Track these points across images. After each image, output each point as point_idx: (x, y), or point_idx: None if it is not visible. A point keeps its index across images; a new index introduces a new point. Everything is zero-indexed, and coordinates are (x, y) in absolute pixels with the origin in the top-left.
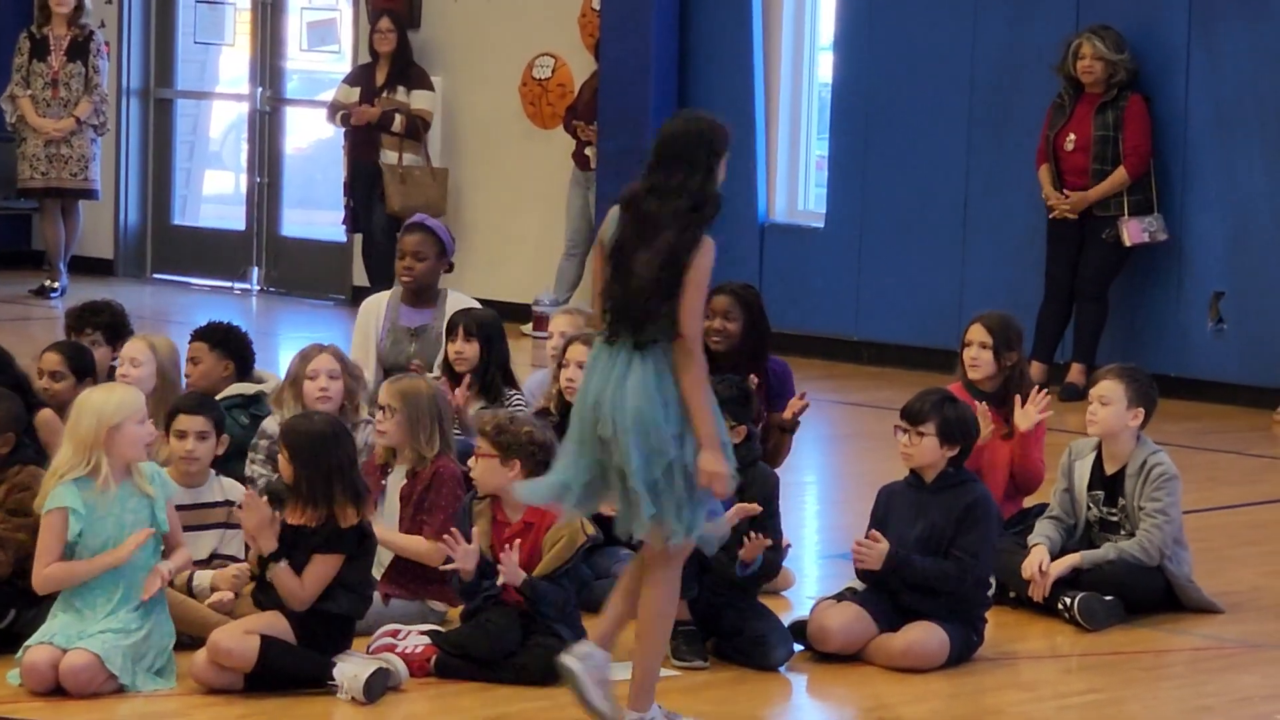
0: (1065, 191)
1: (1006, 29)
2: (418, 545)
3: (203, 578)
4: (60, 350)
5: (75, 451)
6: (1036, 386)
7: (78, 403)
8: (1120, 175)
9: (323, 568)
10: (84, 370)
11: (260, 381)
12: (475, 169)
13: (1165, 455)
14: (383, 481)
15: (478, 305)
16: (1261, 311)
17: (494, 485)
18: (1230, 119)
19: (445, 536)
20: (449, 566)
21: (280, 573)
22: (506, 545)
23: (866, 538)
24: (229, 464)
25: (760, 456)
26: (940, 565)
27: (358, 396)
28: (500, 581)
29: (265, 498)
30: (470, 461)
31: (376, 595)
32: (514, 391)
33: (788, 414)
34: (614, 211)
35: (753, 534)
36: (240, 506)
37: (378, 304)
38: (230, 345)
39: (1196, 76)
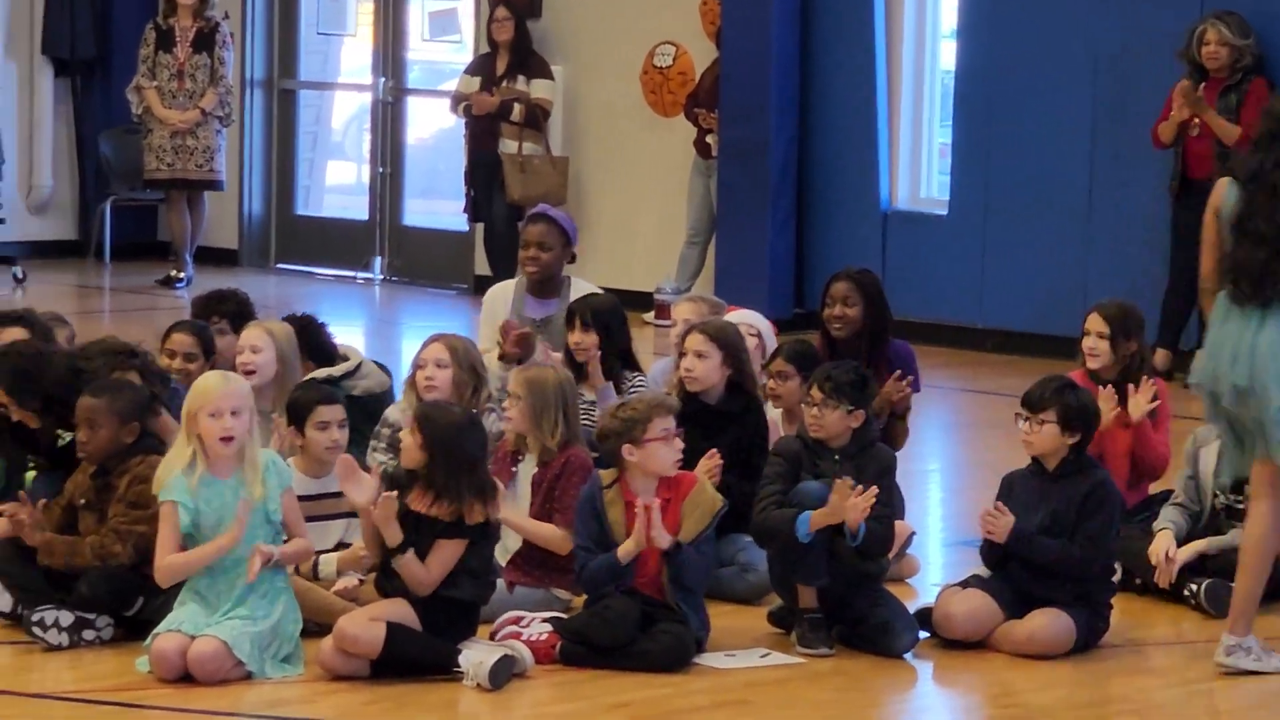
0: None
1: (1130, 14)
2: (549, 532)
3: (328, 563)
4: (190, 331)
5: (182, 440)
6: (1146, 376)
7: None
8: (1234, 131)
9: (447, 553)
10: (210, 350)
11: (344, 359)
12: (596, 158)
13: None
14: (513, 469)
15: (600, 292)
16: None
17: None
18: None
19: (645, 511)
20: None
21: (407, 563)
22: (650, 505)
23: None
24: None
25: (878, 439)
26: (1063, 547)
27: (482, 389)
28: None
29: (388, 486)
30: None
31: (501, 582)
32: (637, 374)
33: (892, 398)
34: (1225, 185)
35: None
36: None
37: (504, 293)
38: (308, 341)
39: None
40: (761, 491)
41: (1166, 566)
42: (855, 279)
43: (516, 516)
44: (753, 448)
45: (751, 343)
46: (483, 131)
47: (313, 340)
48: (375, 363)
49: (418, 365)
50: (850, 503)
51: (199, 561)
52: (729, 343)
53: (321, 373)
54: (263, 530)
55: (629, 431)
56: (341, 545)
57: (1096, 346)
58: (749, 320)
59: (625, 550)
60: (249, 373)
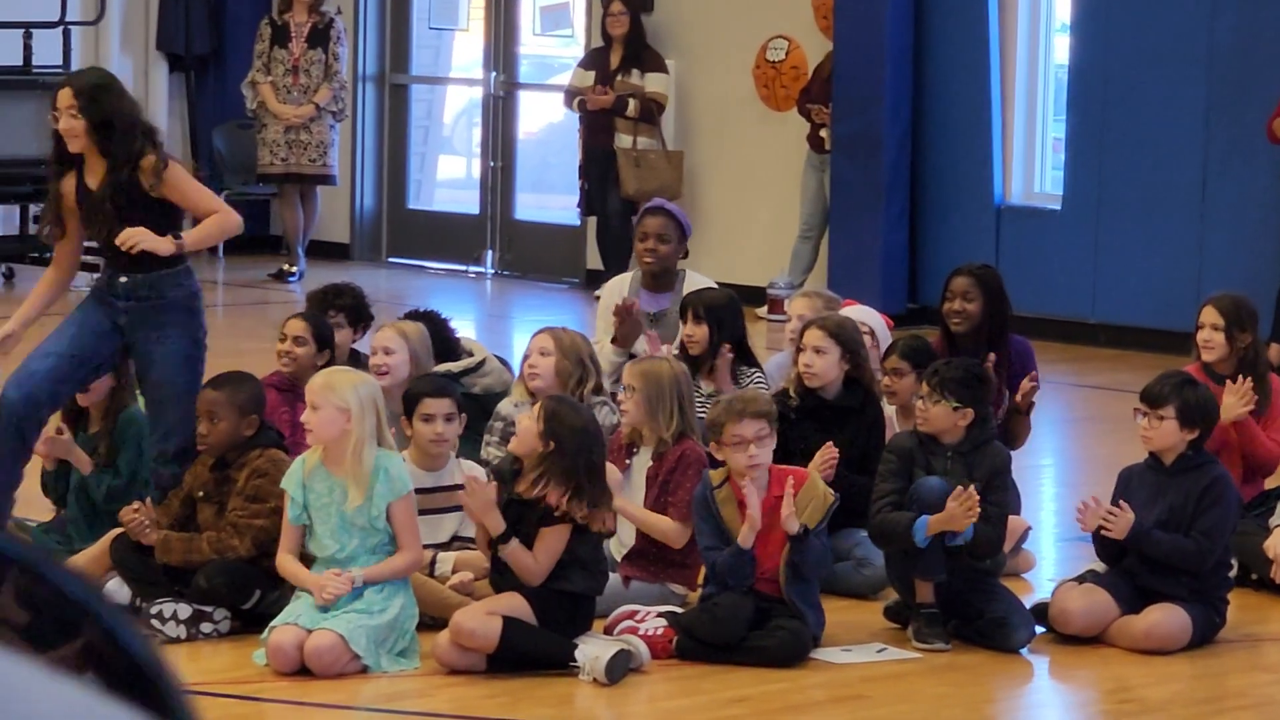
0: None
1: (1245, 7)
2: (663, 524)
3: (444, 561)
4: (304, 318)
5: None
6: (1242, 377)
7: None
8: None
9: (552, 540)
10: (325, 340)
11: (468, 354)
12: (709, 152)
13: None
14: (628, 461)
15: (714, 286)
16: None
17: (769, 460)
18: None
19: (743, 485)
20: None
21: (513, 551)
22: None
23: (1115, 505)
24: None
25: (994, 437)
26: (1179, 542)
27: (589, 380)
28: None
29: (492, 479)
30: (754, 451)
31: (616, 577)
32: (754, 370)
33: (1018, 396)
34: None
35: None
36: (465, 490)
37: (619, 286)
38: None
39: None
40: (877, 490)
41: None
42: (976, 274)
43: (630, 506)
44: (869, 443)
45: (865, 340)
46: (597, 126)
47: (436, 335)
48: (500, 359)
49: (526, 354)
50: (954, 510)
51: (296, 582)
52: (847, 338)
53: (442, 368)
54: (367, 537)
55: (712, 431)
56: (456, 539)
57: (1212, 339)
58: (861, 317)
59: (743, 536)
60: (382, 374)
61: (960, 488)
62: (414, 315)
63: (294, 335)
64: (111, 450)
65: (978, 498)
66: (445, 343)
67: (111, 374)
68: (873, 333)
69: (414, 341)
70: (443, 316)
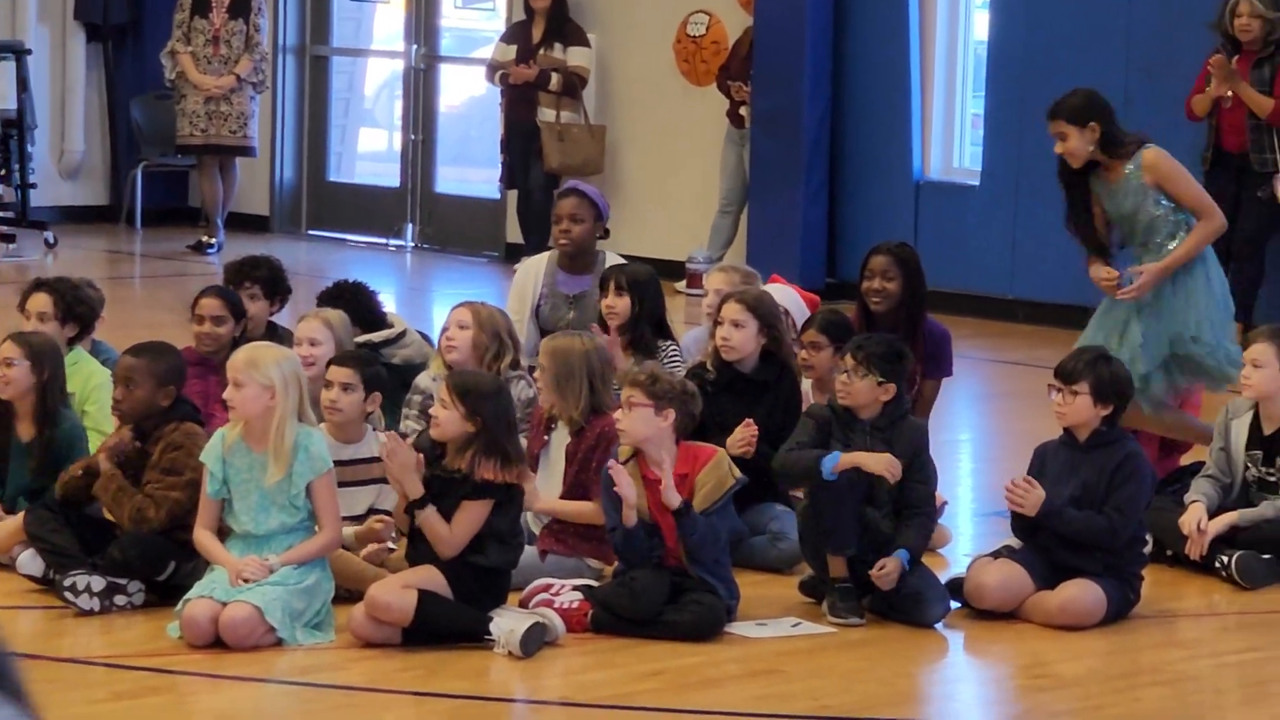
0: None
1: None
2: (586, 509)
3: (349, 533)
4: (217, 294)
5: None
6: None
7: None
8: (1268, 104)
9: (471, 514)
10: (239, 313)
11: (390, 326)
12: (630, 126)
13: None
14: (545, 438)
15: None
16: None
17: (645, 435)
18: None
19: (611, 465)
20: (619, 488)
21: (428, 517)
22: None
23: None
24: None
25: (908, 413)
26: (1092, 519)
27: (505, 355)
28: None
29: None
30: (617, 415)
31: (533, 550)
32: (669, 343)
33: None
34: None
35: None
36: (385, 454)
37: (536, 266)
38: (352, 308)
39: None
40: (789, 443)
41: (1198, 538)
42: (895, 253)
43: (551, 502)
44: (786, 417)
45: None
46: (519, 100)
47: (361, 306)
48: (420, 334)
49: (444, 328)
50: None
51: (213, 559)
52: (765, 312)
53: (362, 338)
54: (285, 514)
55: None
56: (372, 510)
57: None
58: (780, 297)
59: (626, 515)
60: (309, 365)
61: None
62: (342, 286)
63: (211, 315)
64: (46, 461)
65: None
66: (371, 314)
67: (34, 367)
68: (788, 313)
69: (339, 330)
70: (370, 289)
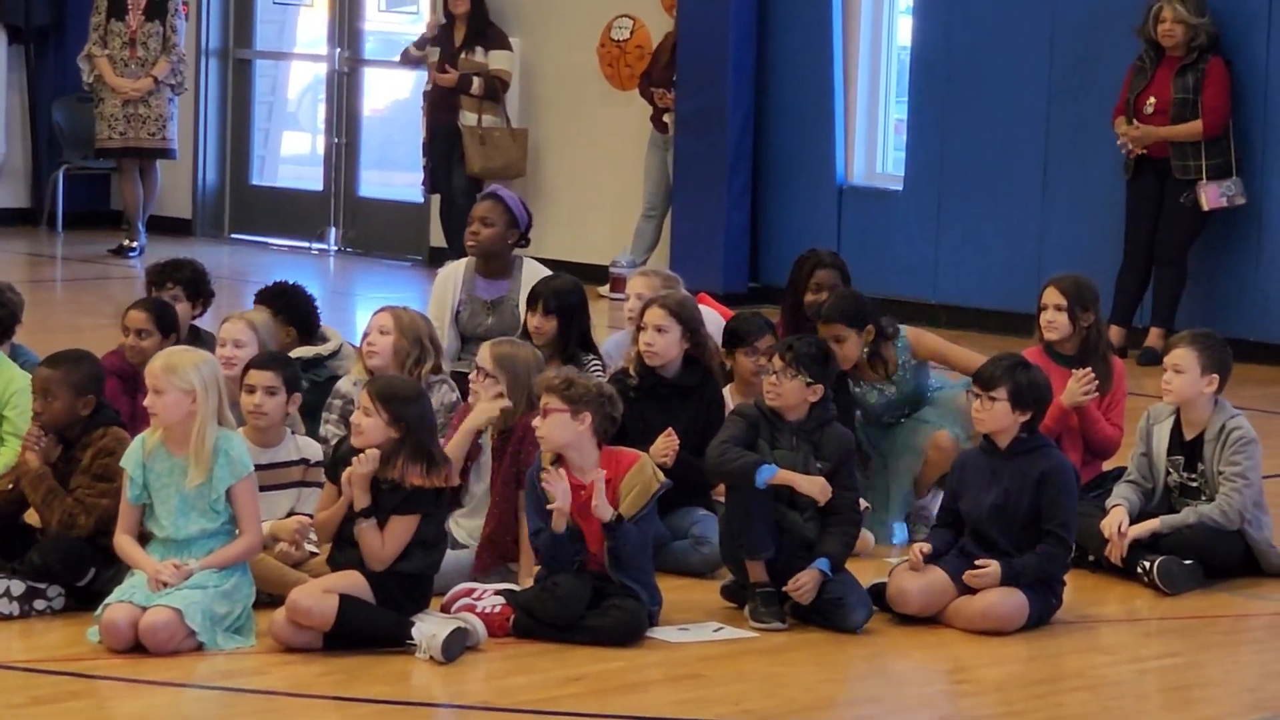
0: (1136, 122)
1: None
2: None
3: (268, 526)
4: (145, 308)
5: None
6: (1105, 351)
7: None
8: (1196, 127)
9: (401, 528)
10: (169, 327)
11: (325, 341)
12: (554, 130)
13: (1244, 419)
14: (478, 441)
15: (551, 275)
16: None
17: (564, 441)
18: None
19: (544, 475)
20: (552, 506)
21: (367, 530)
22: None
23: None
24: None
25: (834, 417)
26: (1042, 558)
27: (426, 360)
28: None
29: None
30: (536, 421)
31: (454, 554)
32: (592, 357)
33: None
34: None
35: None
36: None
37: (454, 272)
38: (293, 310)
39: (1278, 40)
40: (720, 437)
41: (1119, 541)
42: (838, 265)
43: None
44: (708, 423)
45: None
46: (442, 103)
47: (299, 309)
48: (354, 346)
49: (365, 334)
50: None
51: (133, 564)
52: (688, 317)
53: (306, 351)
54: (205, 519)
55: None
56: (292, 513)
57: (1055, 319)
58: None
59: (555, 521)
60: (232, 366)
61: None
62: (280, 291)
63: (136, 328)
64: None
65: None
66: (309, 317)
67: None
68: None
69: (262, 331)
70: (308, 292)
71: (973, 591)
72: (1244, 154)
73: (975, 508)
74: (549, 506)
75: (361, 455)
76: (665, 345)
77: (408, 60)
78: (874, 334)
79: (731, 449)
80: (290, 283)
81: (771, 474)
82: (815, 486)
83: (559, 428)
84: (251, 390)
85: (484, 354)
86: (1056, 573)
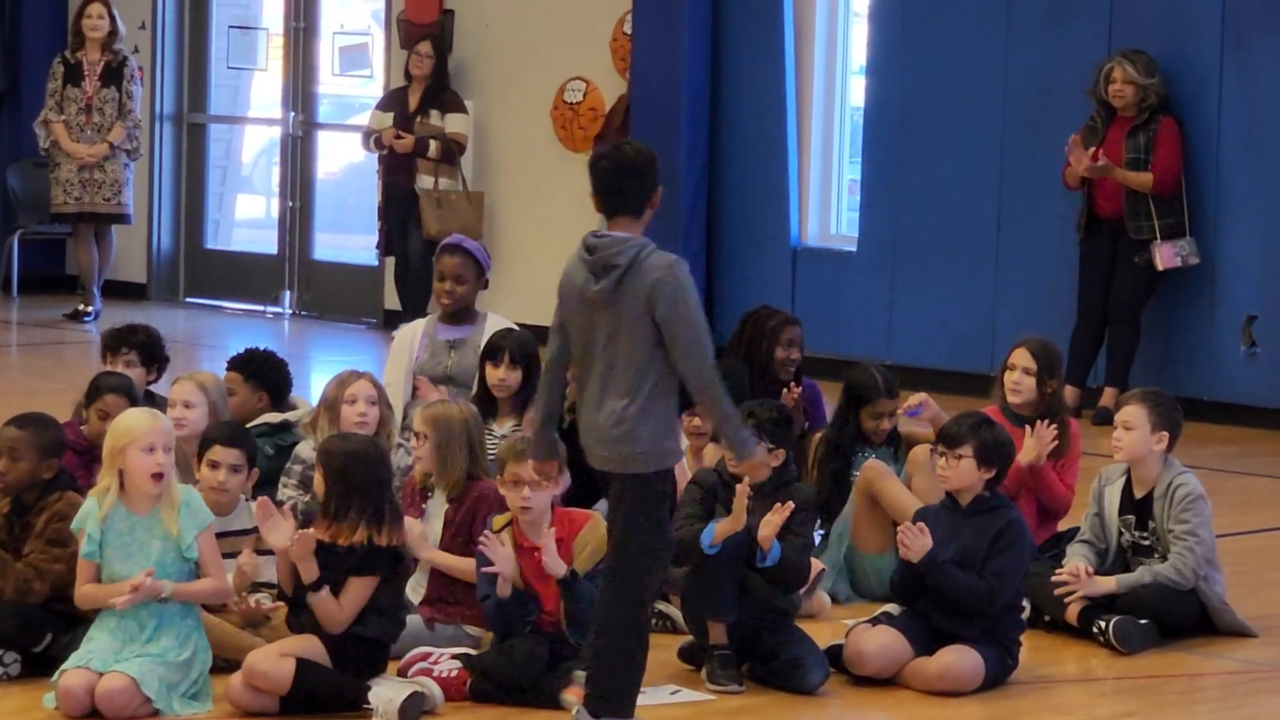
0: (1099, 157)
1: (1038, 53)
2: (467, 565)
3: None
4: (120, 393)
5: (103, 472)
6: (1045, 421)
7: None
8: (1148, 179)
9: (359, 590)
10: (135, 400)
11: (292, 408)
12: (508, 192)
13: (1192, 476)
14: (423, 505)
15: (516, 328)
16: None
17: (548, 507)
18: (1262, 142)
19: (482, 540)
20: (489, 569)
21: (322, 600)
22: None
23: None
24: (258, 491)
25: (795, 478)
26: (972, 580)
27: (390, 424)
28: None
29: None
30: (526, 492)
31: (417, 618)
32: None
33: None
34: None
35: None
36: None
37: (413, 331)
38: (265, 376)
39: (1229, 100)
40: (679, 516)
41: (1083, 580)
42: (798, 322)
43: (438, 554)
44: None
45: None
46: (397, 166)
47: (271, 375)
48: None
49: (347, 401)
50: (765, 519)
51: (100, 601)
52: None
53: (274, 416)
54: (177, 568)
55: (499, 469)
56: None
57: (1022, 383)
58: None
59: (500, 586)
60: (180, 426)
61: (739, 486)
62: (254, 358)
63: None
64: None
65: (790, 505)
66: (280, 392)
67: None
68: None
69: (213, 394)
70: (280, 358)
71: (929, 653)
72: (1197, 214)
73: (931, 567)
74: (485, 570)
75: (300, 533)
76: None
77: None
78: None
79: (681, 528)
80: (263, 349)
81: (711, 534)
82: (761, 529)
83: (548, 496)
84: (215, 466)
85: (416, 416)
86: (972, 603)
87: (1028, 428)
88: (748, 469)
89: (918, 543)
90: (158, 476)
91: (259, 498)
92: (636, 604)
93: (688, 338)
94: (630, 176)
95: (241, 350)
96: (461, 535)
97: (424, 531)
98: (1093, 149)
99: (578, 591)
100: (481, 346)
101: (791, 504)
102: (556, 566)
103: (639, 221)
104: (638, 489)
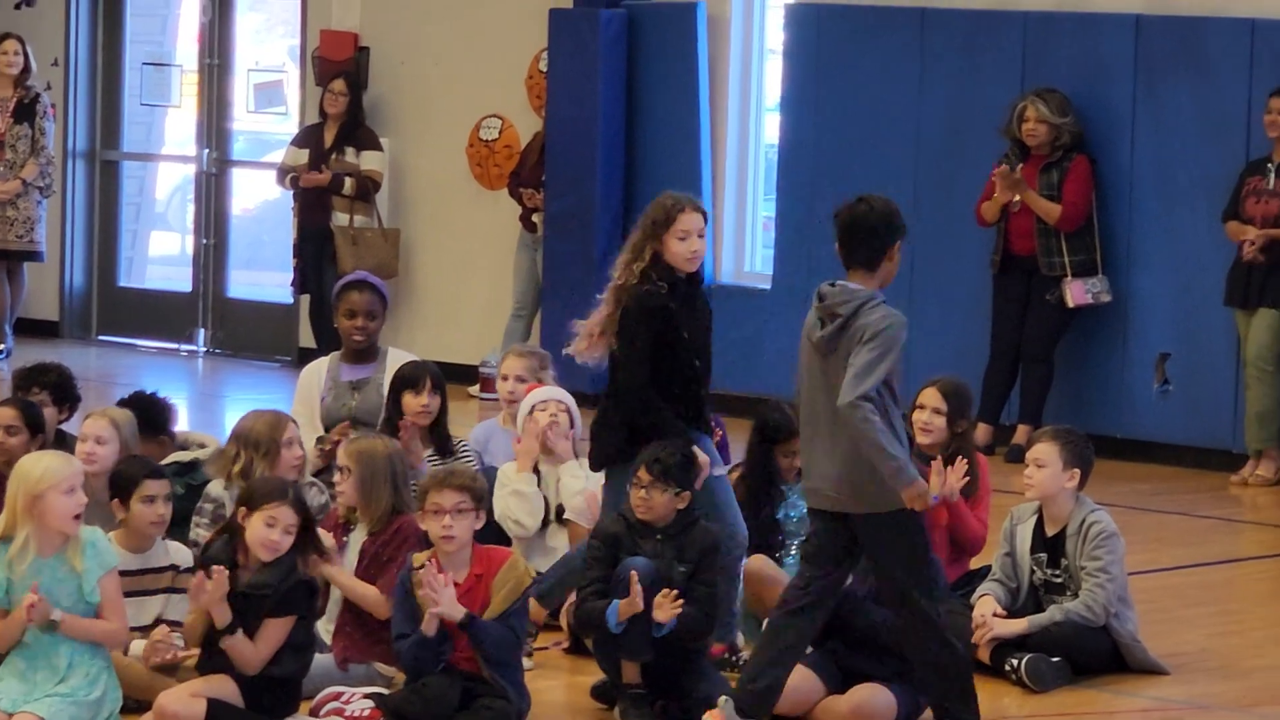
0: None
1: (952, 91)
2: (370, 594)
3: (137, 646)
4: (14, 405)
5: (4, 515)
6: (960, 456)
7: (15, 466)
8: (1055, 210)
9: (277, 631)
10: (37, 426)
11: (192, 445)
12: (424, 230)
13: (1104, 514)
14: (344, 538)
15: (421, 360)
16: (1206, 373)
17: (470, 539)
18: (1174, 182)
19: (426, 575)
20: (435, 611)
21: (236, 643)
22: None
23: None
24: (170, 530)
25: (699, 518)
26: (884, 616)
27: (305, 463)
28: (439, 613)
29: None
30: (447, 521)
31: (325, 657)
32: (460, 440)
33: None
34: None
35: (667, 594)
36: (194, 572)
37: (318, 369)
38: (148, 418)
39: (1141, 139)
40: (583, 577)
41: (990, 623)
42: None
43: (340, 573)
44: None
45: (564, 419)
46: (313, 204)
47: (155, 418)
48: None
49: (286, 444)
50: (656, 602)
51: (8, 630)
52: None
53: (183, 456)
54: (77, 610)
55: (420, 499)
56: (160, 620)
57: (932, 422)
58: (557, 396)
59: (426, 623)
60: (90, 462)
61: (631, 574)
62: (139, 395)
63: (4, 425)
64: None
65: (674, 594)
66: (157, 427)
67: None
68: (569, 410)
69: (124, 430)
70: (164, 402)
71: (841, 690)
72: (1109, 251)
73: (846, 602)
74: (433, 611)
75: (215, 578)
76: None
77: (286, 183)
78: None
79: (588, 601)
80: (146, 391)
81: (616, 614)
82: (656, 614)
83: (469, 527)
84: (151, 500)
85: (340, 451)
86: (886, 640)
87: (934, 463)
88: (909, 500)
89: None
90: (79, 517)
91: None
92: (934, 632)
93: (853, 371)
94: (863, 232)
95: (129, 394)
96: (375, 566)
97: (334, 547)
98: (1020, 164)
99: (478, 634)
100: (385, 384)
101: (675, 592)
102: (454, 611)
103: (873, 276)
104: (879, 529)
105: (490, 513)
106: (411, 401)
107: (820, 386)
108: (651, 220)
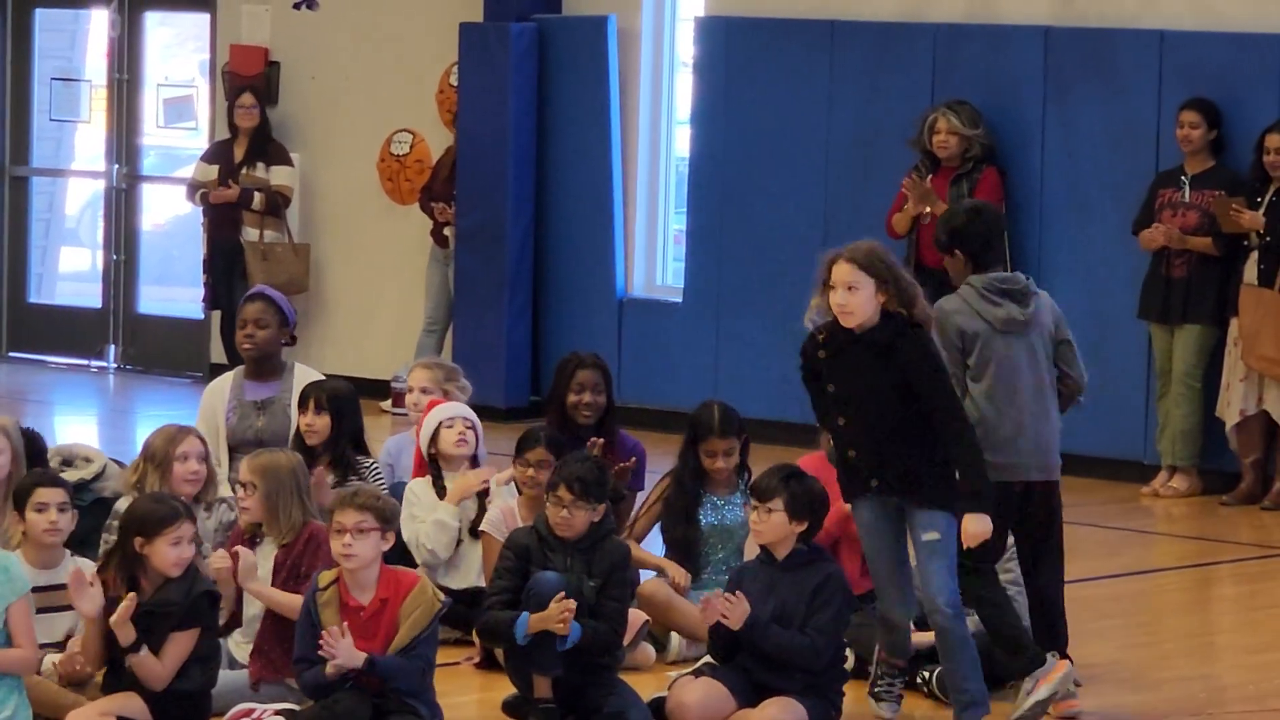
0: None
1: (862, 103)
2: (296, 602)
3: (47, 663)
4: None
5: None
6: None
7: None
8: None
9: (182, 645)
10: None
11: (78, 460)
12: (335, 245)
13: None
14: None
15: (324, 378)
16: (1117, 385)
17: (373, 559)
18: (1085, 194)
19: (325, 635)
20: (335, 664)
21: (142, 661)
22: (336, 628)
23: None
24: (73, 550)
25: (611, 530)
26: (795, 637)
27: (215, 481)
28: (339, 664)
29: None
30: (348, 540)
31: (235, 674)
32: (370, 460)
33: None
34: None
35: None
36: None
37: (221, 386)
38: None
39: (1051, 152)
40: (492, 586)
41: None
42: (600, 366)
43: (265, 588)
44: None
45: (470, 436)
46: (223, 219)
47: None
48: (116, 461)
49: (178, 458)
50: (550, 614)
51: None
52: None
53: (71, 476)
54: None
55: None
56: (71, 635)
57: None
58: (463, 414)
59: (328, 670)
60: None
61: (556, 600)
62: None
63: None
64: None
65: (571, 603)
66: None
67: None
68: (474, 427)
69: (14, 437)
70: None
71: (752, 704)
72: (1019, 263)
73: (754, 628)
74: (331, 665)
75: (124, 602)
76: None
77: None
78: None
79: (495, 610)
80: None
81: (524, 626)
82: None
83: (373, 547)
84: (44, 508)
85: (243, 467)
86: (797, 661)
87: None
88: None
89: (737, 611)
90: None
91: (74, 568)
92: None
93: (1077, 350)
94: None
95: None
96: (293, 578)
97: (255, 563)
98: (931, 175)
99: (383, 674)
100: (292, 404)
101: (571, 602)
102: (353, 660)
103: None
104: (1057, 497)
105: (399, 534)
106: (300, 420)
107: (1027, 365)
108: None
